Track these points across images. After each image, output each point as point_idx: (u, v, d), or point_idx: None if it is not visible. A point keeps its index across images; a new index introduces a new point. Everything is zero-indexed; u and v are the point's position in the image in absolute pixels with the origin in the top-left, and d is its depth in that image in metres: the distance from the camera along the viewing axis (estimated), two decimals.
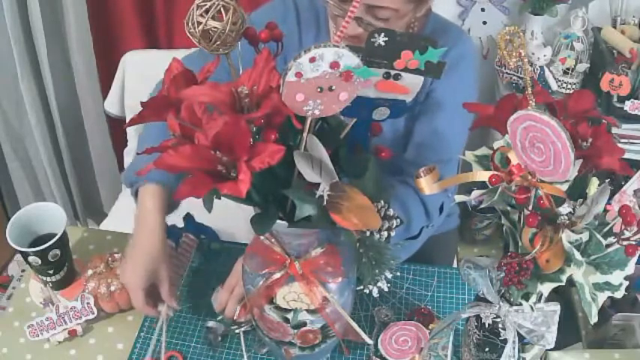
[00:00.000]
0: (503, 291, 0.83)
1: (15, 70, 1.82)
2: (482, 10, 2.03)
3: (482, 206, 0.75)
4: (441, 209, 1.11)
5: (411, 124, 1.14)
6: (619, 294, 0.72)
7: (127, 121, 1.62)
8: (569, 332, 1.20)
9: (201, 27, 0.67)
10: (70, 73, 1.93)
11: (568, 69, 1.82)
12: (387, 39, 0.63)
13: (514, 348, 0.84)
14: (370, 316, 1.09)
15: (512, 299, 0.82)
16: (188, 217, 1.24)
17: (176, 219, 1.19)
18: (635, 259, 0.71)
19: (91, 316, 1.05)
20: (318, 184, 0.69)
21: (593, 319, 0.72)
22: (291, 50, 0.69)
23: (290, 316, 0.88)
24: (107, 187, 2.19)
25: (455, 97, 1.07)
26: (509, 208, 0.78)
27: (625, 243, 0.69)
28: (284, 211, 0.76)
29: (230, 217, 1.29)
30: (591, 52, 1.83)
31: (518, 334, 0.83)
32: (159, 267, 1.01)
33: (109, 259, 1.10)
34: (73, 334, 1.05)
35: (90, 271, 1.09)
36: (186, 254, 1.18)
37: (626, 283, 0.72)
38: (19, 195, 2.19)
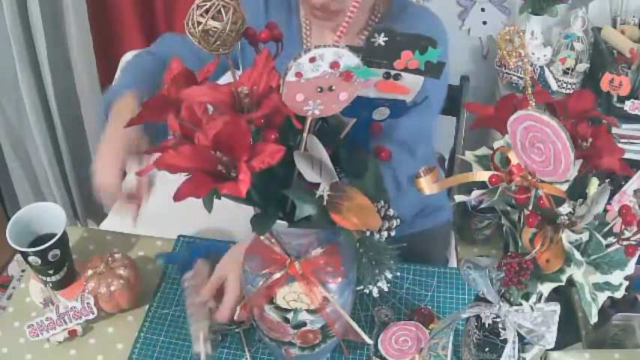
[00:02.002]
0: (503, 291, 0.83)
1: (15, 70, 1.82)
2: (483, 10, 2.03)
3: (482, 206, 0.76)
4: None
5: None
6: (619, 294, 0.72)
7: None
8: (569, 332, 1.20)
9: (201, 27, 0.67)
10: (70, 73, 1.93)
11: (568, 69, 1.82)
12: (387, 39, 0.63)
13: (514, 348, 0.84)
14: (370, 316, 1.09)
15: (512, 299, 0.82)
16: (184, 243, 1.19)
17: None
18: (635, 259, 0.71)
19: (91, 316, 1.05)
20: (318, 184, 0.69)
21: (593, 319, 0.72)
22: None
23: (290, 316, 0.88)
24: None
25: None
26: (509, 208, 0.78)
27: (625, 243, 0.69)
28: (284, 211, 0.76)
29: (229, 217, 1.29)
30: (591, 52, 1.83)
31: (518, 334, 0.83)
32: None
33: (109, 259, 1.10)
34: (73, 334, 1.05)
35: (90, 271, 1.09)
36: (203, 280, 1.08)
37: (626, 283, 0.72)
38: (19, 195, 2.20)
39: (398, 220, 0.77)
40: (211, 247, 1.15)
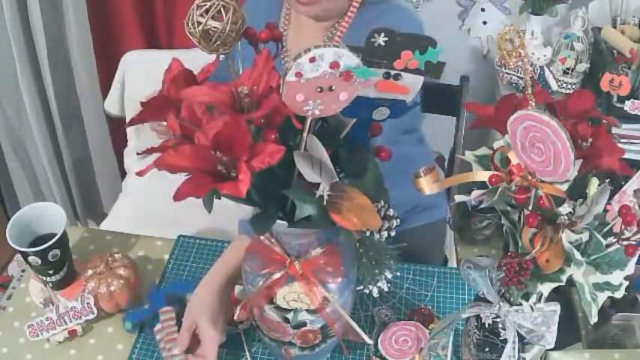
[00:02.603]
0: (503, 291, 0.83)
1: (15, 70, 1.82)
2: (483, 10, 2.03)
3: (482, 206, 0.75)
4: None
5: None
6: (619, 294, 0.72)
7: (127, 121, 1.62)
8: (569, 332, 1.20)
9: (201, 27, 0.67)
10: (70, 73, 1.93)
11: (568, 69, 1.82)
12: (387, 39, 0.63)
13: (514, 348, 0.84)
14: (370, 316, 1.09)
15: (512, 299, 0.82)
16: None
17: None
18: (635, 259, 0.71)
19: (91, 316, 1.05)
20: (318, 184, 0.69)
21: (593, 319, 0.72)
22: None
23: (290, 316, 0.88)
24: (107, 187, 2.19)
25: None
26: (509, 208, 0.78)
27: (625, 243, 0.69)
28: (284, 211, 0.76)
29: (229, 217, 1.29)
30: (591, 52, 1.83)
31: (518, 334, 0.83)
32: None
33: (109, 259, 1.10)
34: (73, 334, 1.05)
35: (90, 271, 1.09)
36: (172, 329, 1.04)
37: (626, 283, 0.72)
38: (19, 195, 2.19)
39: (398, 220, 0.77)
40: (170, 291, 1.11)
